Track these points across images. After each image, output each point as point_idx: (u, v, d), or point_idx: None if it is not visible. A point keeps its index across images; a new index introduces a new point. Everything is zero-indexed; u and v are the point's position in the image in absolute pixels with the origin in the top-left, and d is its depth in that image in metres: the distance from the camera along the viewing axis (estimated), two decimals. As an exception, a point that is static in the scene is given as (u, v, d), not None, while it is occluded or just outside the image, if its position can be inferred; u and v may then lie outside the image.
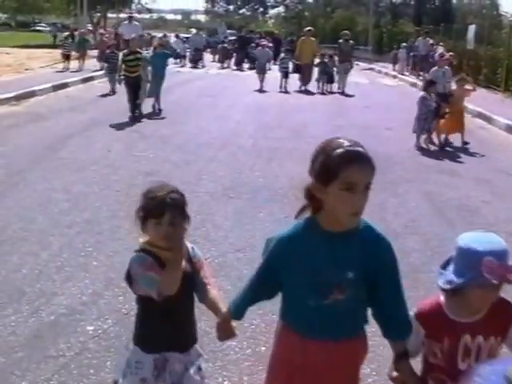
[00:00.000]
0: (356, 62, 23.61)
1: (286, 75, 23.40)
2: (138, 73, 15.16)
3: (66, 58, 25.92)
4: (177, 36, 40.58)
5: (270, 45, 30.94)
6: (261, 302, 3.29)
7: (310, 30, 25.09)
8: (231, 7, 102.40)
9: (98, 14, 64.09)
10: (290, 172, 10.21)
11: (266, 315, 5.17)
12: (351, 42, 25.82)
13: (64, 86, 20.39)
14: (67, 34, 29.33)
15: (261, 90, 22.45)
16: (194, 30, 42.12)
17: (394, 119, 16.69)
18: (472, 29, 29.84)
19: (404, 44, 35.30)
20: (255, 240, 6.98)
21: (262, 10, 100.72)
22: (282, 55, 25.47)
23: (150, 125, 13.90)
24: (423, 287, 5.94)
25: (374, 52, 48.22)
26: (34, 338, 4.72)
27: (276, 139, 12.55)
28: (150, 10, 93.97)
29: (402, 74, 32.49)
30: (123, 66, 15.15)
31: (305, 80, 23.85)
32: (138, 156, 10.83)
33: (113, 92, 19.23)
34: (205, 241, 6.87)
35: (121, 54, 16.03)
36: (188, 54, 35.59)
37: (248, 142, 12.53)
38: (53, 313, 5.10)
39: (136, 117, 14.91)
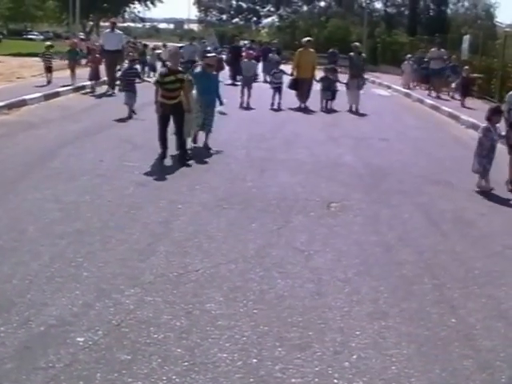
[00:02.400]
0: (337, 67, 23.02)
1: (278, 91, 20.64)
2: (178, 99, 11.57)
3: (48, 70, 23.48)
4: (164, 46, 38.26)
5: (255, 54, 28.97)
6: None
7: (309, 40, 22.11)
8: (224, 16, 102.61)
9: (91, 23, 64.23)
10: (283, 183, 10.24)
11: (258, 327, 5.18)
12: (363, 55, 23.55)
13: (56, 95, 20.33)
14: (48, 44, 25.76)
15: (247, 107, 20.30)
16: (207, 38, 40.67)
17: (388, 130, 16.75)
18: (467, 39, 29.98)
19: (409, 55, 32.45)
20: (248, 251, 7.00)
21: (255, 19, 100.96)
22: (274, 69, 21.80)
23: (143, 135, 13.89)
24: (416, 299, 5.96)
25: (368, 62, 48.35)
26: (24, 349, 4.70)
27: (268, 150, 12.57)
28: (143, 19, 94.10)
29: (408, 88, 29.68)
30: (159, 92, 11.43)
31: (303, 97, 21.06)
32: (130, 166, 10.83)
33: (130, 115, 16.40)
34: (197, 252, 6.88)
35: (156, 75, 12.96)
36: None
37: (241, 152, 12.54)
38: (43, 324, 5.09)
39: (186, 164, 11.33)
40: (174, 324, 5.18)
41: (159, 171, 10.59)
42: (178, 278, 6.13)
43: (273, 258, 6.82)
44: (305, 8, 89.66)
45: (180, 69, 11.95)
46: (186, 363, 4.62)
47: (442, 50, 27.71)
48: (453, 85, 25.47)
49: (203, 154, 12.10)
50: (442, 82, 26.60)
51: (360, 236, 7.77)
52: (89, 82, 22.96)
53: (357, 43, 24.14)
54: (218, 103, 13.34)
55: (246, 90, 21.02)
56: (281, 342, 4.98)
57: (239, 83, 26.72)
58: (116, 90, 21.36)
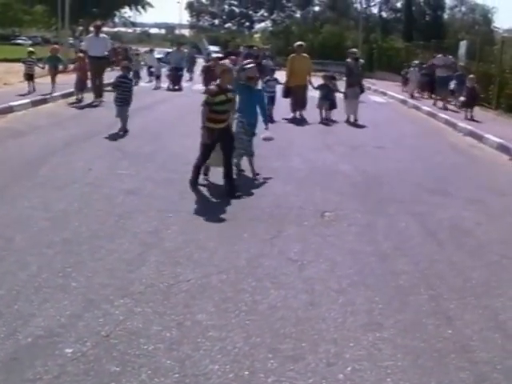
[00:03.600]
0: (344, 78, 22.27)
1: (272, 101, 19.01)
2: (227, 122, 10.19)
3: (29, 78, 22.50)
4: (150, 50, 37.03)
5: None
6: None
7: (301, 45, 21.23)
8: (216, 21, 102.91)
9: (81, 28, 64.30)
10: (276, 191, 10.26)
11: (250, 338, 5.19)
12: (361, 60, 22.48)
13: (43, 101, 20.34)
14: (30, 50, 24.49)
15: None
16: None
17: (383, 137, 16.77)
18: (463, 45, 30.14)
19: (416, 62, 31.26)
20: (239, 261, 7.01)
21: (248, 24, 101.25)
22: (268, 77, 20.15)
23: (133, 142, 13.89)
24: (412, 310, 5.98)
25: (364, 68, 48.47)
26: (11, 361, 4.70)
27: (261, 157, 12.60)
28: (134, 24, 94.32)
29: (412, 98, 28.47)
30: (207, 113, 9.87)
31: (298, 106, 20.27)
32: (120, 174, 10.84)
33: (124, 131, 15.17)
34: (188, 261, 6.89)
35: (205, 96, 10.11)
36: (166, 72, 31.00)
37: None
38: (30, 335, 5.09)
39: (237, 195, 9.87)
40: (165, 335, 5.18)
41: (149, 180, 10.59)
42: (168, 289, 6.14)
43: (265, 269, 6.83)
44: (299, 13, 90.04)
45: (230, 87, 10.31)
46: (176, 375, 4.63)
47: (449, 56, 26.43)
48: (461, 98, 22.83)
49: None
50: (448, 92, 25.14)
51: (355, 246, 7.79)
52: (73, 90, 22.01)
53: (354, 49, 23.45)
54: (261, 125, 11.66)
55: None
56: (273, 354, 4.99)
57: None
58: (104, 99, 21.11)
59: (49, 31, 78.35)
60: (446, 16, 77.48)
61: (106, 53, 22.53)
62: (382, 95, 31.92)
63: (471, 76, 22.38)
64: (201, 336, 5.20)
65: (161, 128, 16.39)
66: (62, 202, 8.99)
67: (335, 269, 6.97)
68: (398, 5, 78.84)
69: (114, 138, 14.53)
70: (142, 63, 34.92)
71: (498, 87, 24.15)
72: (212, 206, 9.21)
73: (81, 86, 21.79)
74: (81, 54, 22.72)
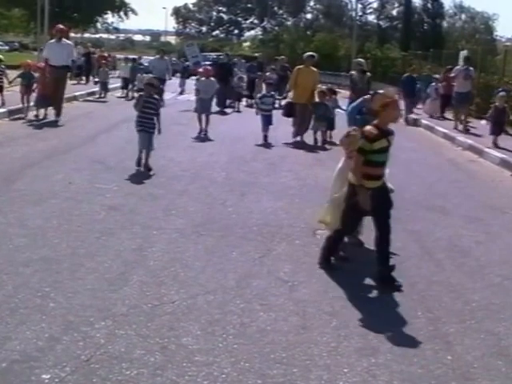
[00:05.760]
0: (338, 90, 21.32)
1: (268, 121, 17.68)
2: (384, 178, 7.75)
3: None
4: (126, 59, 34.59)
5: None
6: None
7: (312, 55, 18.81)
8: (204, 28, 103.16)
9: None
10: (266, 208, 10.26)
11: (238, 363, 5.18)
12: (368, 74, 19.31)
13: (21, 110, 20.23)
14: None
15: (205, 138, 17.55)
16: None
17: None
18: (464, 54, 30.22)
19: (437, 76, 28.27)
20: (227, 281, 7.00)
21: (236, 32, 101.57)
22: (264, 92, 19.08)
23: (115, 155, 13.88)
24: (409, 334, 5.98)
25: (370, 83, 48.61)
26: (-16, 388, 4.68)
27: (250, 173, 12.61)
28: (117, 30, 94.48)
29: (432, 117, 25.60)
30: None
31: (302, 127, 18.06)
32: (101, 189, 10.82)
33: (148, 169, 12.53)
34: (173, 281, 6.87)
35: (361, 141, 7.34)
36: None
37: (220, 174, 12.57)
38: (5, 359, 5.05)
39: (398, 288, 7.23)
40: (148, 359, 5.16)
41: (132, 194, 10.57)
42: (152, 310, 6.12)
43: (254, 289, 6.83)
44: (290, 21, 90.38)
45: (391, 128, 7.63)
46: (160, 402, 4.62)
47: (470, 68, 23.31)
48: (482, 121, 21.28)
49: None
50: (468, 111, 22.83)
51: (348, 265, 7.80)
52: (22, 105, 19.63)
53: (361, 60, 20.95)
54: None
55: (203, 117, 18.36)
56: (263, 380, 4.98)
57: (230, 110, 25.29)
58: (60, 117, 19.17)
59: (27, 36, 78.33)
60: (445, 24, 78.00)
61: (73, 61, 20.45)
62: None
63: (501, 94, 19.42)
64: (186, 361, 5.18)
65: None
66: (39, 218, 8.95)
67: (328, 290, 6.97)
68: (394, 12, 79.34)
69: (95, 149, 14.53)
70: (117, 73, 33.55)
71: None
72: (198, 223, 9.18)
73: (42, 101, 19.38)
74: (42, 64, 20.16)
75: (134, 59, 34.71)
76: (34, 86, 19.53)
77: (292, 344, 5.61)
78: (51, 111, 19.46)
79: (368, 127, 7.37)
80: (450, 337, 5.99)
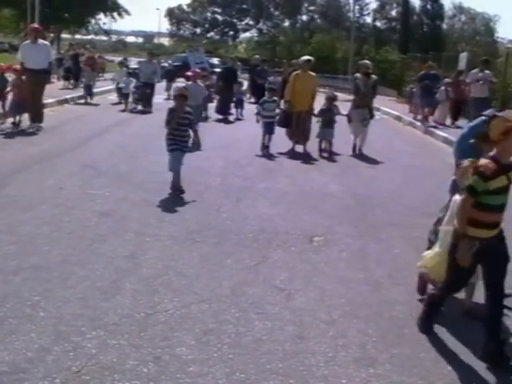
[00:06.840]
0: (335, 93, 20.84)
1: (270, 129, 16.68)
2: (500, 225, 6.22)
3: None
4: (121, 63, 32.96)
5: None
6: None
7: (309, 60, 17.65)
8: (198, 30, 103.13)
9: (52, 35, 64.27)
10: (262, 214, 10.25)
11: (233, 374, 5.17)
12: (373, 76, 17.90)
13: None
14: None
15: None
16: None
17: (376, 156, 16.76)
18: (464, 57, 30.18)
19: (447, 80, 25.73)
20: (222, 290, 6.99)
21: (232, 33, 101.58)
22: (265, 97, 17.89)
23: (107, 160, 13.86)
24: (408, 344, 5.97)
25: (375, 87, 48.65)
26: (-27, 400, 4.66)
27: (246, 178, 12.59)
28: (109, 32, 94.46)
29: (442, 124, 24.27)
30: None
31: (301, 137, 17.08)
32: (93, 194, 10.80)
33: (179, 190, 11.29)
34: (167, 290, 6.86)
35: (472, 179, 5.87)
36: (132, 89, 26.03)
37: (216, 180, 12.56)
38: (-6, 370, 5.04)
39: None
40: (141, 370, 5.15)
41: (125, 200, 10.55)
42: (145, 319, 6.11)
43: (250, 298, 6.82)
44: (286, 22, 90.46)
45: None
46: (153, 414, 4.60)
47: (487, 71, 22.25)
48: None
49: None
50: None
51: (346, 273, 7.79)
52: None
53: (366, 61, 18.93)
54: None
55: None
56: (259, 391, 4.97)
57: (233, 116, 24.18)
58: (43, 124, 18.19)
59: (17, 37, 78.18)
60: (444, 26, 78.10)
61: (50, 64, 19.27)
62: (376, 111, 31.97)
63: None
64: (180, 371, 5.17)
65: (137, 145, 16.36)
66: (29, 225, 8.93)
67: (325, 298, 6.96)
68: (393, 13, 79.44)
69: (87, 154, 14.49)
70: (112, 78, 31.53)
71: (501, 103, 23.98)
72: (192, 230, 9.17)
73: (16, 108, 18.04)
74: (17, 67, 18.58)
75: (120, 62, 33.85)
76: (8, 89, 18.24)
77: (288, 354, 5.60)
78: (26, 117, 18.29)
79: (484, 160, 5.89)
80: (449, 347, 5.99)
